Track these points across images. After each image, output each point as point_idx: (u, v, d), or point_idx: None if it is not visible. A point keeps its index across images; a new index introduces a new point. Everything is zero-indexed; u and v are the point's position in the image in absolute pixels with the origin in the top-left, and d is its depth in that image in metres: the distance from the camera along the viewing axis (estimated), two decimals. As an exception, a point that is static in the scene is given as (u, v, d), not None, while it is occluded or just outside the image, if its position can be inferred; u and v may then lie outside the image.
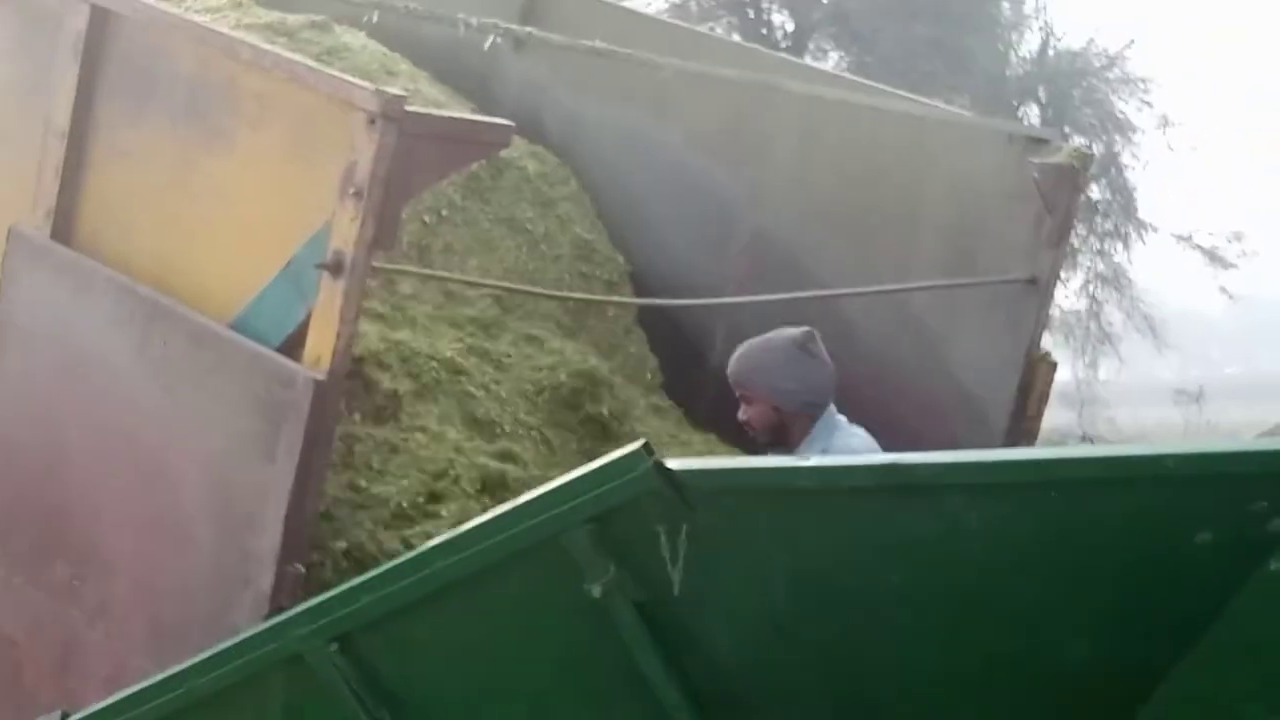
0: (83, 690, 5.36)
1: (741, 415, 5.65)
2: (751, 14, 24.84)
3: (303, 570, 5.04)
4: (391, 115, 4.79)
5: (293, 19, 7.46)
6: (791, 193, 7.53)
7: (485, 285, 6.97)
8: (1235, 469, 3.34)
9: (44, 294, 5.73)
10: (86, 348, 5.58)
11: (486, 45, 7.03)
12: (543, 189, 7.75)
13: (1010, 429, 6.74)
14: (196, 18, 7.23)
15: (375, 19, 7.36)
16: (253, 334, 5.11)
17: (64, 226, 5.74)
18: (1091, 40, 25.46)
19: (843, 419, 5.59)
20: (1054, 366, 6.93)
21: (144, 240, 5.57)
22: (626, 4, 10.66)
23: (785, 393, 5.32)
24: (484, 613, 4.15)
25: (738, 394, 5.59)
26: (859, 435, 5.68)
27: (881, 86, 7.82)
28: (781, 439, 5.42)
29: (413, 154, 4.89)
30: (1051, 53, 25.62)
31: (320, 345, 4.92)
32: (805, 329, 5.39)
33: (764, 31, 24.04)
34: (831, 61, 24.15)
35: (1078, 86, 25.16)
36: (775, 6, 25.50)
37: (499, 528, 3.98)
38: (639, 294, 7.82)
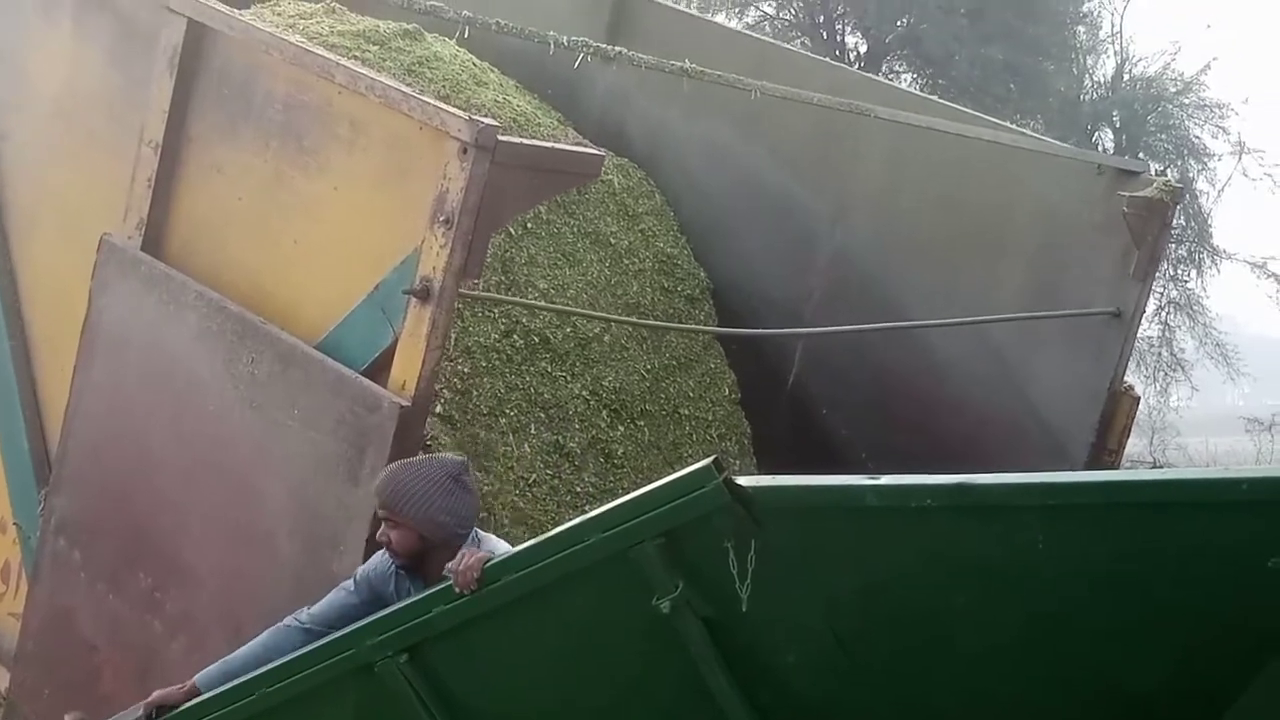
0: (161, 699, 5.35)
1: (381, 536, 5.01)
2: (825, 35, 24.70)
3: None
4: (484, 145, 4.74)
5: (385, 26, 7.32)
6: (874, 215, 7.38)
7: (563, 310, 6.89)
8: None
9: (134, 305, 5.67)
10: (175, 361, 5.53)
11: (576, 64, 6.98)
12: (627, 203, 7.63)
13: (1090, 462, 6.59)
14: (290, 25, 7.22)
15: (467, 34, 7.32)
16: (340, 355, 5.06)
17: (155, 238, 5.69)
18: (1168, 65, 25.23)
19: (484, 534, 5.03)
20: (1137, 401, 6.78)
21: (234, 256, 5.51)
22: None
23: (437, 525, 4.81)
24: (553, 626, 4.11)
25: (381, 515, 5.00)
26: (502, 542, 5.09)
27: (968, 111, 7.69)
28: (419, 565, 4.86)
29: (504, 184, 4.86)
30: (1126, 77, 25.38)
31: (406, 371, 4.87)
32: (459, 459, 4.98)
33: (837, 53, 23.85)
34: (904, 84, 23.98)
35: (1153, 112, 24.90)
36: (849, 28, 25.33)
37: (570, 541, 3.95)
38: (720, 308, 7.70)
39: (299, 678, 4.48)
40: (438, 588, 4.36)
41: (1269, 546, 3.23)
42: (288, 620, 4.77)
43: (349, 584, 4.81)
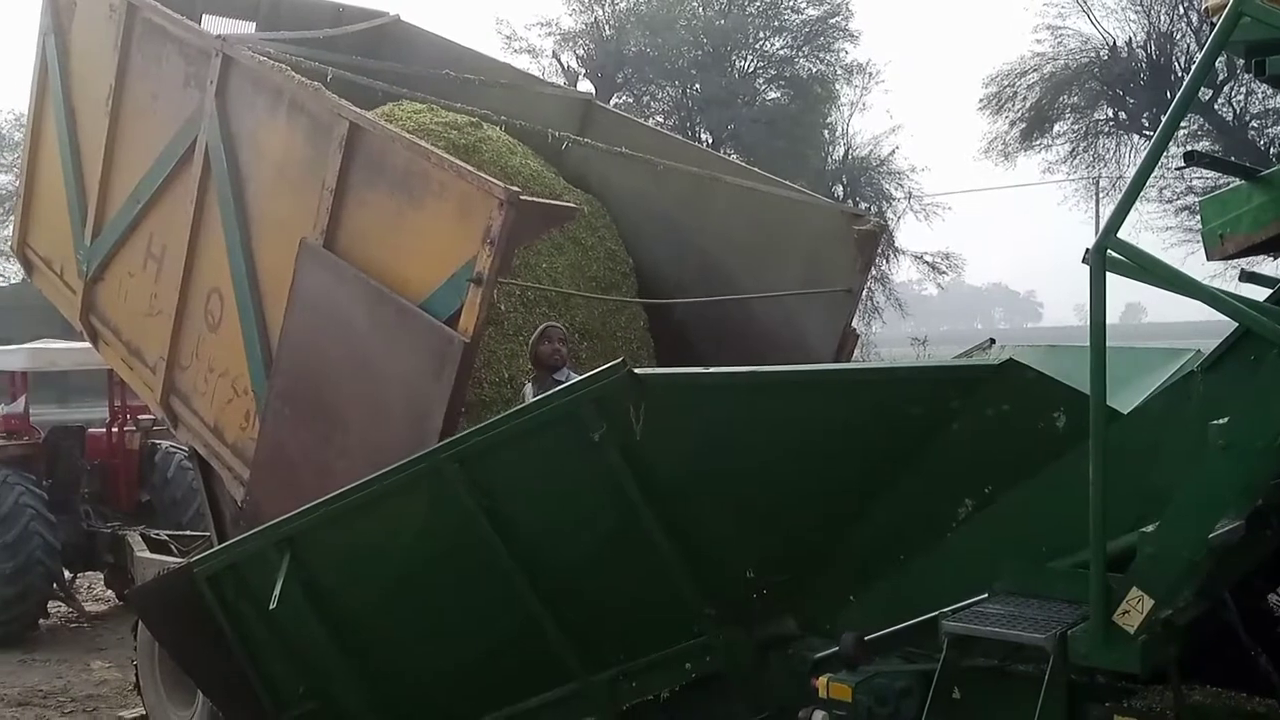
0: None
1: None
2: (690, 133, 24.72)
3: None
4: (513, 201, 4.52)
5: (460, 118, 6.97)
6: (720, 230, 7.06)
7: (551, 290, 6.60)
8: (938, 376, 3.71)
9: (317, 277, 5.36)
10: (339, 309, 5.24)
11: (564, 146, 6.71)
12: (591, 220, 7.26)
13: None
14: (408, 118, 6.86)
15: (504, 126, 7.04)
16: (432, 312, 4.80)
17: (330, 240, 5.37)
18: (871, 151, 25.75)
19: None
20: (857, 335, 6.65)
21: (373, 253, 5.21)
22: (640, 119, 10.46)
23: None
24: (541, 449, 3.95)
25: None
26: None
27: (769, 175, 7.46)
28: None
29: (523, 222, 4.62)
30: (850, 158, 25.88)
31: (467, 322, 4.63)
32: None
33: (697, 141, 23.83)
34: (733, 158, 24.04)
35: (864, 175, 25.40)
36: (703, 130, 25.48)
37: (549, 401, 3.90)
38: (640, 283, 7.37)
39: (401, 476, 4.22)
40: (481, 425, 4.16)
41: (910, 403, 3.49)
42: None
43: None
